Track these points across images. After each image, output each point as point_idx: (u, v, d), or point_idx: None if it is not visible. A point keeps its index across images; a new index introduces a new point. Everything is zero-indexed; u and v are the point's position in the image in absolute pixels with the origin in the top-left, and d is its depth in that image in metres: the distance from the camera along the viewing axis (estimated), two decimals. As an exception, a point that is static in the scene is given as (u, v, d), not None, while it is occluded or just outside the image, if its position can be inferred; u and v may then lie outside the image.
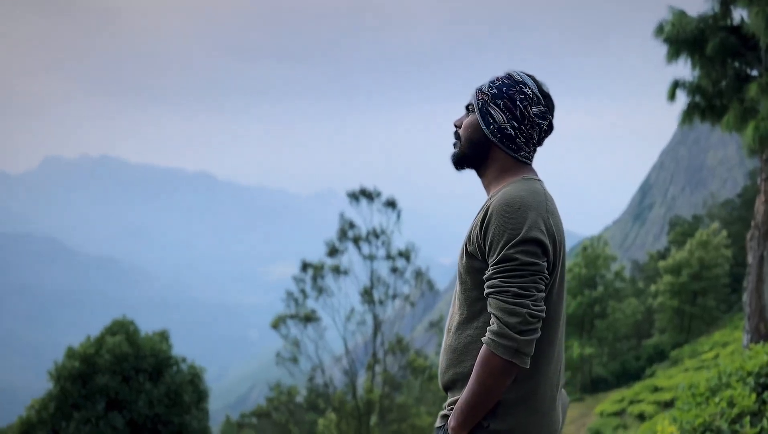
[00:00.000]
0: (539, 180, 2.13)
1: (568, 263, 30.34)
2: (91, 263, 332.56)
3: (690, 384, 5.50)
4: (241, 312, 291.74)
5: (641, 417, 18.74)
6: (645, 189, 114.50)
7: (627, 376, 28.29)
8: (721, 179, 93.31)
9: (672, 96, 10.33)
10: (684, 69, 10.12)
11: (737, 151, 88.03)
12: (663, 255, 38.97)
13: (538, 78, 2.18)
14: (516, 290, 1.88)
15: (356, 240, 19.13)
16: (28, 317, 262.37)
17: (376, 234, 19.01)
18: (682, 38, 9.51)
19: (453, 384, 2.10)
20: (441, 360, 2.16)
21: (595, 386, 29.19)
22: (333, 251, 19.10)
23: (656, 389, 20.38)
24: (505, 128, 2.09)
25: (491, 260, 1.96)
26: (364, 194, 18.94)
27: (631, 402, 20.50)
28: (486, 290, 1.96)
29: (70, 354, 11.60)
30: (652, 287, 32.55)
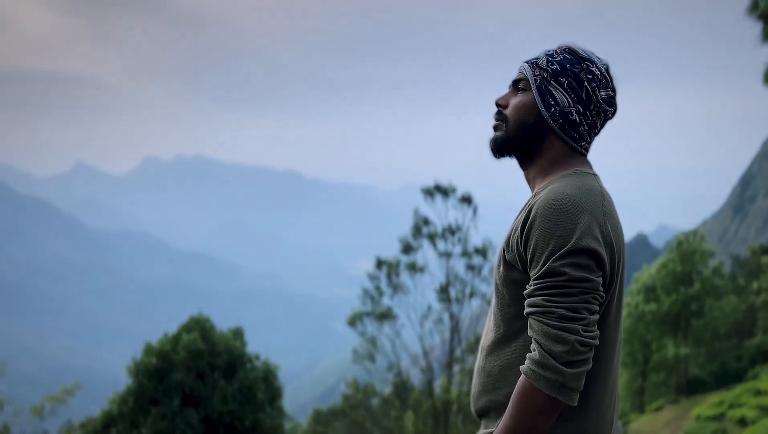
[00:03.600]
0: (594, 174, 1.73)
1: (662, 259, 28.95)
2: (187, 258, 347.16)
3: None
4: (329, 305, 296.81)
5: (742, 422, 17.60)
6: (746, 180, 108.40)
7: (727, 378, 26.87)
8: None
9: (769, 79, 9.40)
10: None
11: None
12: (766, 250, 36.69)
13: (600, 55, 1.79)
14: (563, 311, 1.53)
15: (431, 237, 18.83)
16: (133, 309, 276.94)
17: (451, 231, 18.63)
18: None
19: (486, 412, 1.76)
20: (474, 383, 1.82)
21: (692, 388, 27.86)
22: (407, 249, 18.87)
23: (759, 392, 19.11)
24: (569, 113, 1.72)
25: (534, 273, 1.60)
26: (439, 190, 18.60)
27: (732, 406, 19.29)
28: (527, 309, 1.61)
29: (148, 350, 11.92)
30: (755, 284, 30.66)
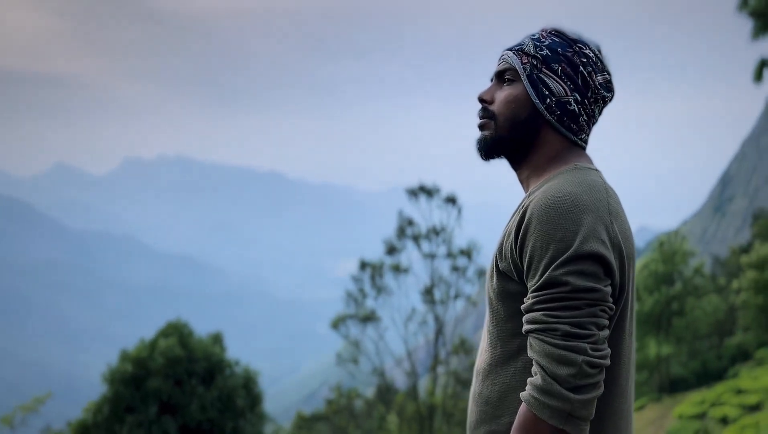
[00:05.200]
0: (596, 169, 1.52)
1: (644, 259, 29.09)
2: (168, 260, 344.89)
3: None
4: (313, 307, 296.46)
5: (724, 421, 17.68)
6: (725, 180, 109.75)
7: (708, 376, 27.14)
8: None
9: (759, 76, 9.28)
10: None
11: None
12: (746, 250, 37.00)
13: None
14: (567, 328, 1.32)
15: (416, 238, 18.69)
16: (114, 311, 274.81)
17: (436, 232, 18.50)
18: (771, 11, 8.47)
19: None
20: (470, 411, 1.59)
21: (674, 386, 28.09)
22: (391, 250, 18.71)
23: (740, 391, 19.21)
24: (567, 102, 1.51)
25: (532, 284, 1.39)
26: (424, 191, 18.46)
27: (713, 405, 19.39)
28: (525, 326, 1.39)
29: (124, 357, 11.63)
30: (734, 284, 30.92)
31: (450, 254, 18.91)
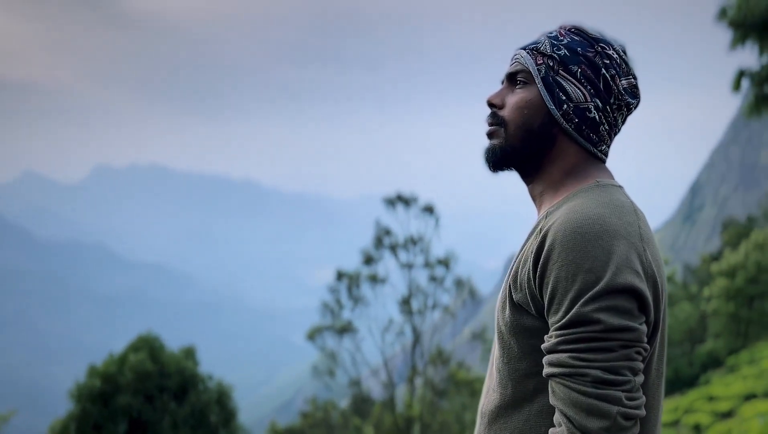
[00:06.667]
0: (620, 186, 1.33)
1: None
2: (141, 269, 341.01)
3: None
4: (288, 315, 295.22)
5: (697, 429, 17.79)
6: (695, 189, 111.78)
7: (680, 383, 27.43)
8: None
9: (737, 86, 9.34)
10: (750, 56, 9.17)
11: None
12: (716, 257, 37.52)
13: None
14: (598, 373, 1.13)
15: (393, 248, 18.55)
16: (85, 322, 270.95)
17: (413, 241, 18.40)
18: (750, 22, 8.48)
19: None
20: None
21: (648, 394, 28.48)
22: (368, 260, 18.54)
23: (712, 398, 19.36)
24: (586, 109, 1.32)
25: (555, 320, 1.19)
26: (401, 200, 18.34)
27: (686, 412, 19.51)
28: (547, 370, 1.19)
29: (92, 372, 11.25)
30: (705, 291, 31.30)
31: (427, 264, 18.80)
